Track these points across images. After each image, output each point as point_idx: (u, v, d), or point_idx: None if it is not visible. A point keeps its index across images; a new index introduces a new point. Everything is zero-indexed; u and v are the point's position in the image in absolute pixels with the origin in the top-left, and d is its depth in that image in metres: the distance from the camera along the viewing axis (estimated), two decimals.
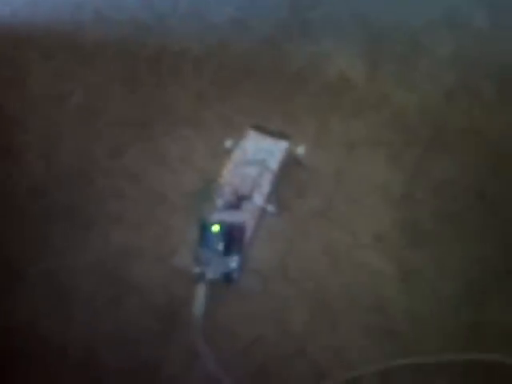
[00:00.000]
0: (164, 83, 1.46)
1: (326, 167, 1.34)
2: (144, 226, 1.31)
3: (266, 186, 1.28)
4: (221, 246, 1.20)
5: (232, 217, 1.24)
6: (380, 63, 1.45)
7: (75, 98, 1.45)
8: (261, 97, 1.43)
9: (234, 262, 1.21)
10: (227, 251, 1.20)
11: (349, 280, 1.24)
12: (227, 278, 1.21)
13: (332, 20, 1.51)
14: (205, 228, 1.21)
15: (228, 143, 1.31)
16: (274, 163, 1.30)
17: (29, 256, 1.29)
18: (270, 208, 1.27)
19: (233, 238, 1.21)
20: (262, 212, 1.27)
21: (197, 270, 1.20)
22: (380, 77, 1.44)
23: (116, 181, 1.35)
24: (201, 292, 1.18)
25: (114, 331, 1.22)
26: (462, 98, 1.40)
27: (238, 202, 1.26)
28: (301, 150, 1.31)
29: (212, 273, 1.20)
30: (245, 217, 1.25)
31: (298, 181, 1.32)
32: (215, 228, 1.21)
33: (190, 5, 1.55)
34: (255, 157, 1.30)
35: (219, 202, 1.26)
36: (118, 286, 1.25)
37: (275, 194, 1.29)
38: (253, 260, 1.25)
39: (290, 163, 1.32)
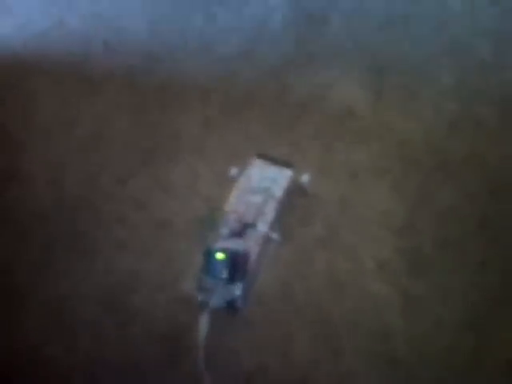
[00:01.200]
0: (170, 112, 1.47)
1: (330, 195, 1.35)
2: (148, 252, 1.31)
3: (270, 213, 1.28)
4: (225, 274, 1.19)
5: (236, 244, 1.23)
6: (384, 93, 1.46)
7: (82, 125, 1.46)
8: (266, 125, 1.45)
9: (238, 289, 1.20)
10: (231, 279, 1.19)
11: (352, 307, 1.24)
12: (231, 305, 1.20)
13: (336, 52, 1.53)
14: (209, 255, 1.20)
15: (233, 171, 1.32)
16: (279, 191, 1.30)
17: (33, 281, 1.30)
18: (274, 236, 1.27)
19: (237, 265, 1.20)
20: (267, 240, 1.27)
21: (201, 297, 1.20)
22: (383, 106, 1.45)
23: (121, 207, 1.37)
24: (204, 321, 1.17)
25: (118, 357, 1.22)
26: (464, 126, 1.41)
27: (242, 229, 1.26)
28: (305, 179, 1.32)
29: (216, 301, 1.19)
30: (249, 244, 1.25)
31: (302, 208, 1.33)
32: (220, 256, 1.19)
33: (199, 37, 1.58)
34: (260, 185, 1.30)
35: (224, 230, 1.25)
36: (122, 312, 1.25)
37: (279, 222, 1.29)
38: (256, 287, 1.25)
39: (294, 191, 1.32)
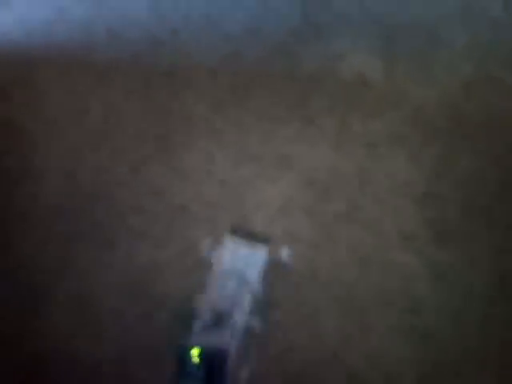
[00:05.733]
0: (180, 96, 1.45)
1: (348, 168, 1.32)
2: (167, 239, 1.30)
3: (246, 301, 1.17)
4: (201, 376, 1.09)
5: (212, 340, 1.12)
6: (396, 60, 1.43)
7: (92, 115, 1.44)
8: (278, 103, 1.42)
9: None
10: (209, 382, 1.09)
11: (378, 281, 1.21)
12: None
13: (345, 21, 1.49)
14: (183, 357, 1.10)
15: (207, 251, 1.24)
16: (253, 275, 1.19)
17: (54, 276, 1.29)
18: (255, 323, 1.17)
19: (215, 365, 1.10)
20: (246, 330, 1.16)
21: None
22: (397, 74, 1.42)
23: (137, 195, 1.35)
24: None
25: (145, 346, 1.21)
26: (480, 88, 1.37)
27: (217, 320, 1.14)
28: (285, 253, 1.22)
29: None
30: (226, 338, 1.13)
31: (320, 184, 1.31)
32: (194, 356, 1.09)
33: (202, 16, 1.54)
34: (232, 268, 1.19)
35: (198, 325, 1.14)
36: (146, 300, 1.24)
37: (260, 307, 1.19)
38: (279, 266, 1.23)
39: (274, 269, 1.23)
